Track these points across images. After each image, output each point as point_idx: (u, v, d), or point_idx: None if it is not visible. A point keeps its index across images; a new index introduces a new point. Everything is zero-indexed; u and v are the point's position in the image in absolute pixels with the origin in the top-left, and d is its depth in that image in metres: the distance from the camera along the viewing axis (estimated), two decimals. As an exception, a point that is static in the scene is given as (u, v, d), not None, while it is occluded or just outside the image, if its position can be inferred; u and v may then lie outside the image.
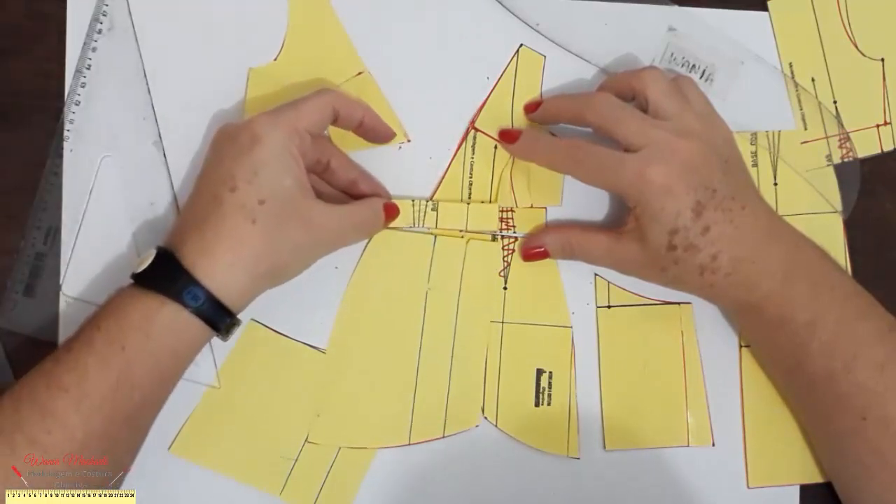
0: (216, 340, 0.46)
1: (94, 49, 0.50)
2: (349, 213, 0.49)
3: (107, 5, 0.50)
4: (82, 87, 0.50)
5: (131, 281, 0.45)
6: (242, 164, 0.45)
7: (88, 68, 0.50)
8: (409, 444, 0.51)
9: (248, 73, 0.52)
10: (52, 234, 0.49)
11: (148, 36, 0.51)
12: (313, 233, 0.47)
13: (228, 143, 0.46)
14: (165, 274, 0.44)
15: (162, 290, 0.43)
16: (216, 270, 0.44)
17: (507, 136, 0.52)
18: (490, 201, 0.53)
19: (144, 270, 0.44)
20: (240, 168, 0.45)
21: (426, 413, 0.51)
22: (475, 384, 0.52)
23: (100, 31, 0.50)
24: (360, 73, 0.52)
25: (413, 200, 0.52)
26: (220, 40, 0.52)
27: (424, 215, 0.52)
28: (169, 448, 0.50)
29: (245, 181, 0.45)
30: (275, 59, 0.52)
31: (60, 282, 0.49)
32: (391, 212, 0.51)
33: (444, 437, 0.52)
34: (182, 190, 0.51)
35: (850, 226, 0.55)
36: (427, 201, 0.52)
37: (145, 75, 0.51)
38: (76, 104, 0.50)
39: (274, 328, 0.51)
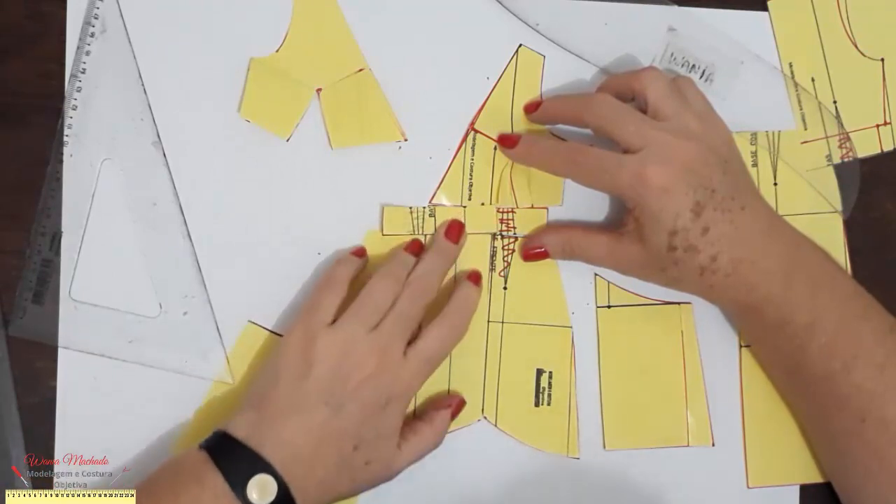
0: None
1: (87, 53, 0.50)
2: (416, 453, 0.48)
3: (98, 8, 0.50)
4: (78, 91, 0.50)
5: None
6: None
7: (83, 72, 0.50)
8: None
9: (248, 63, 0.51)
10: (58, 239, 0.49)
11: (143, 34, 0.51)
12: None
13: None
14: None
15: None
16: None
17: (506, 141, 0.52)
18: (490, 202, 0.53)
19: None
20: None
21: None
22: (475, 384, 0.52)
23: (92, 35, 0.50)
24: (360, 70, 0.52)
25: (411, 208, 0.52)
26: (220, 33, 0.51)
27: (423, 222, 0.52)
28: (171, 447, 0.50)
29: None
30: (276, 52, 0.52)
31: (68, 287, 0.49)
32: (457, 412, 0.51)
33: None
34: (182, 189, 0.51)
35: (850, 226, 0.55)
36: (425, 207, 0.52)
37: (140, 75, 0.51)
38: (73, 109, 0.50)
39: (272, 330, 0.51)
